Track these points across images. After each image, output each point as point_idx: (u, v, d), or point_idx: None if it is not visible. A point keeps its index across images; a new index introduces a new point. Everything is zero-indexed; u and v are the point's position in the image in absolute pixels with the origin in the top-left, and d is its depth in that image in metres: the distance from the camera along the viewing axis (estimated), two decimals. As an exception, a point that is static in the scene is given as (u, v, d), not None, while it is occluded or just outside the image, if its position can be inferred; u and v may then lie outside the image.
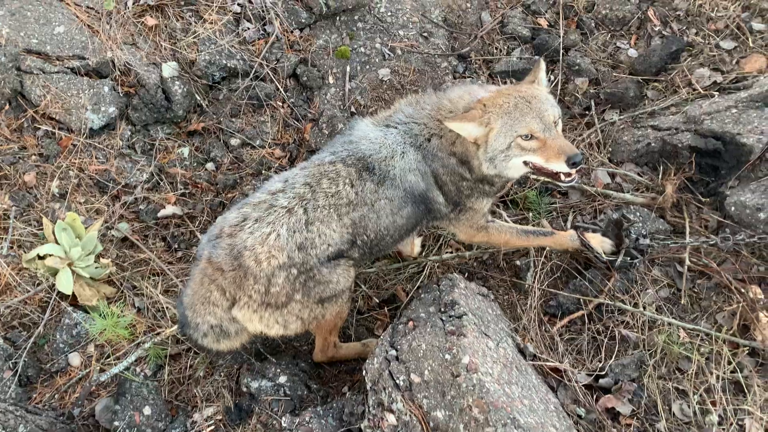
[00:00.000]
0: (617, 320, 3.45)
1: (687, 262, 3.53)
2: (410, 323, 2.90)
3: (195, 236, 3.99)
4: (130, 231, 3.85)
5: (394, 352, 2.76)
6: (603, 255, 3.54)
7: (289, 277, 2.83)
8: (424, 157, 3.05)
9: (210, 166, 4.27)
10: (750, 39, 4.58)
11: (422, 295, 3.17)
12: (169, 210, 3.97)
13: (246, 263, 2.78)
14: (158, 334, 3.45)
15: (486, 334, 2.85)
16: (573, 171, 2.91)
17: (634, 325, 3.40)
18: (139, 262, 3.74)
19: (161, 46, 4.22)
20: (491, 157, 2.97)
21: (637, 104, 4.57)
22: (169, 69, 4.19)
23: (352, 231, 2.97)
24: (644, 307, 3.42)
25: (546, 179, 3.22)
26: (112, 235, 3.82)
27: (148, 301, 3.57)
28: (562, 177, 2.98)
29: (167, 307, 3.54)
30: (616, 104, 4.59)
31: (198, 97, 4.32)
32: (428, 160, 3.06)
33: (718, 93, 4.28)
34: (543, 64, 3.17)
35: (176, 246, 3.92)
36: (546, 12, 5.12)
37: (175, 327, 3.32)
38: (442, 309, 2.91)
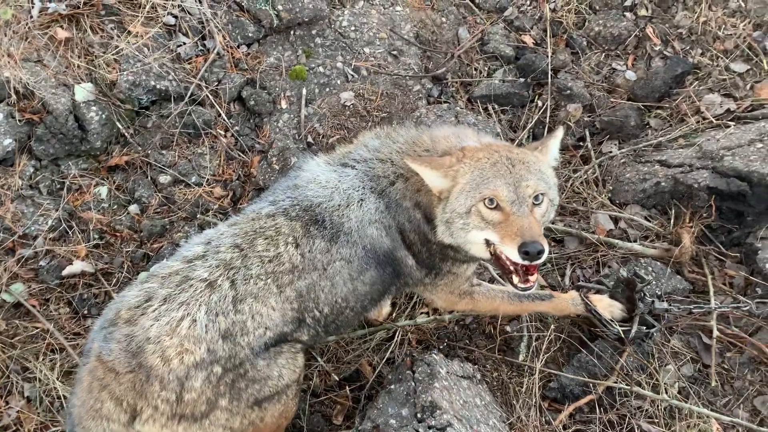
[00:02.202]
0: (633, 407, 2.78)
1: (715, 331, 2.88)
2: (376, 434, 2.19)
3: (110, 298, 3.21)
4: (25, 294, 3.06)
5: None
6: (614, 324, 2.88)
7: (210, 379, 2.10)
8: (387, 207, 2.41)
9: (133, 208, 3.50)
10: (764, 61, 4.01)
11: (392, 387, 2.46)
12: (77, 266, 3.19)
13: (149, 362, 2.06)
14: (53, 432, 2.67)
15: (476, 448, 2.14)
16: (530, 278, 2.32)
17: (654, 413, 2.74)
18: (33, 336, 2.96)
19: (74, 64, 3.46)
20: (448, 219, 2.34)
21: (638, 134, 3.97)
22: (83, 91, 3.43)
23: (299, 306, 2.29)
24: (666, 391, 2.76)
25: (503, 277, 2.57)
26: (2, 300, 3.03)
27: (42, 388, 2.79)
28: (514, 279, 2.34)
29: (65, 396, 2.76)
30: (614, 134, 3.97)
31: (120, 126, 3.56)
32: (392, 210, 2.42)
33: (734, 123, 3.69)
34: (560, 134, 2.54)
35: (86, 311, 3.15)
36: (531, 28, 4.50)
37: None
38: (419, 414, 2.21)
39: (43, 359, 2.87)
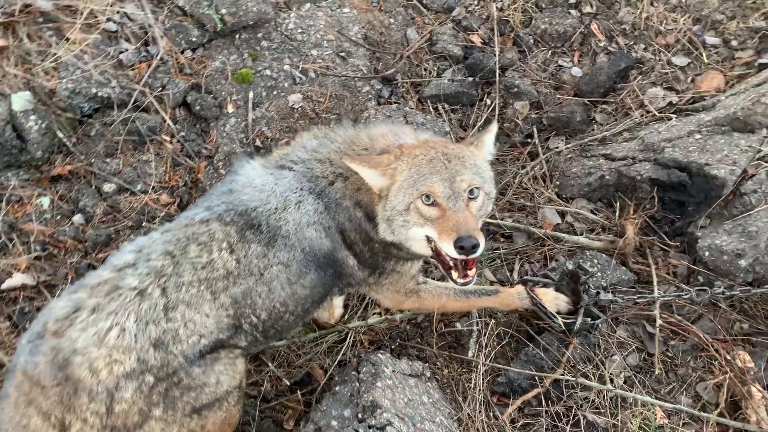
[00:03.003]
0: (580, 398, 2.80)
1: (659, 321, 2.93)
2: (317, 436, 2.17)
3: (54, 311, 3.14)
4: (-38, 309, 2.98)
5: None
6: (558, 318, 2.91)
7: (141, 388, 2.06)
8: (327, 207, 2.40)
9: (78, 218, 3.44)
10: (704, 54, 4.11)
11: (338, 388, 2.45)
12: (17, 279, 3.12)
13: (76, 374, 2.01)
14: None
15: (418, 446, 2.14)
16: (469, 272, 2.36)
17: (601, 403, 2.77)
18: (-29, 351, 2.88)
19: (10, 73, 3.39)
20: (389, 217, 2.36)
21: (584, 130, 4.02)
22: (20, 101, 3.36)
23: (235, 312, 2.26)
24: (611, 381, 2.80)
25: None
26: (-62, 317, 2.95)
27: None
28: (453, 274, 2.38)
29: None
30: (561, 130, 4.02)
31: (61, 135, 3.50)
32: (332, 210, 2.40)
33: (675, 116, 3.76)
34: (495, 128, 2.58)
35: (27, 325, 3.06)
36: (479, 28, 4.54)
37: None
38: (360, 414, 2.20)
39: (-19, 376, 2.79)
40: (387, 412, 2.17)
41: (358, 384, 2.40)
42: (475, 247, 2.17)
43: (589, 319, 2.91)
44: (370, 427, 2.12)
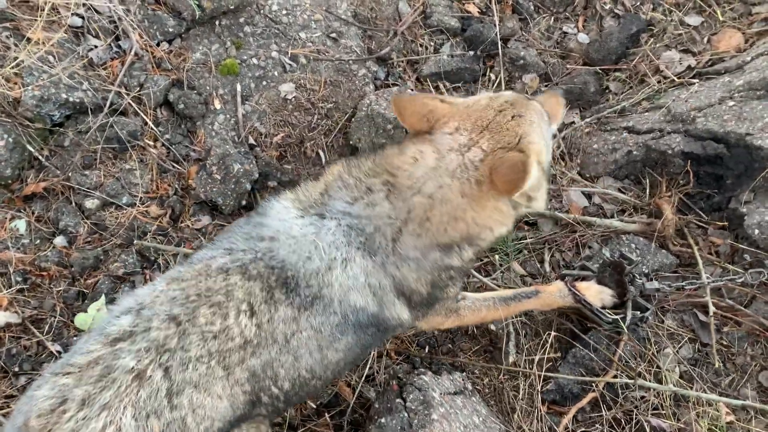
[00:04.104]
0: (637, 399, 2.59)
1: (712, 308, 2.72)
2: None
3: (44, 348, 2.81)
4: (-59, 359, 2.63)
5: None
6: (605, 313, 2.68)
7: None
8: (382, 264, 1.99)
9: (60, 241, 3.08)
10: (718, 11, 3.85)
11: (384, 420, 2.18)
12: (0, 319, 2.76)
13: None
14: None
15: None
16: None
17: (660, 403, 2.56)
18: (-45, 407, 2.54)
19: (-34, 82, 2.98)
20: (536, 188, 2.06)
21: (599, 100, 3.77)
22: (-19, 113, 2.96)
23: (252, 388, 1.90)
24: (668, 379, 2.59)
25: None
26: None
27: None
28: None
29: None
30: (574, 103, 3.76)
31: (31, 148, 3.11)
32: (389, 266, 2.01)
33: (697, 80, 3.52)
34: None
35: (17, 369, 2.74)
36: (475, -4, 4.21)
37: None
38: (421, 456, 1.94)
39: (-29, 434, 2.46)
40: (449, 448, 1.92)
41: (407, 414, 2.14)
42: None
43: (639, 312, 2.69)
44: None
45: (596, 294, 2.74)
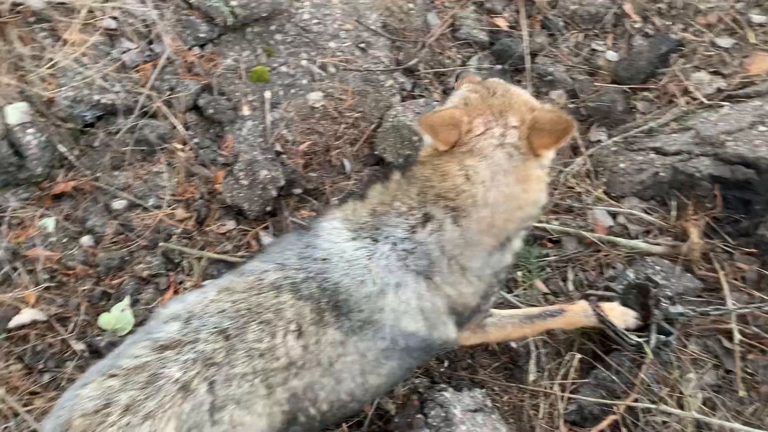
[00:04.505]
0: (658, 424, 2.57)
1: (737, 336, 2.69)
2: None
3: (68, 347, 2.84)
4: (-33, 353, 2.67)
5: None
6: (629, 335, 2.66)
7: None
8: (439, 286, 2.03)
9: (86, 240, 3.11)
10: (750, 34, 3.83)
11: (403, 435, 2.18)
12: (26, 315, 2.80)
13: None
14: None
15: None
16: None
17: (682, 430, 2.54)
18: (-20, 402, 2.57)
19: (2, 82, 3.02)
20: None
21: (626, 119, 3.74)
22: (16, 113, 3.01)
23: (291, 408, 1.90)
24: (690, 406, 2.57)
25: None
26: (-61, 363, 2.63)
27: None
28: None
29: (25, 474, 2.40)
30: (602, 121, 3.74)
31: (63, 148, 3.15)
32: (447, 286, 2.04)
33: (727, 103, 3.49)
34: None
35: (41, 366, 2.77)
36: (504, 10, 4.22)
37: None
38: (443, 475, 1.93)
39: (-5, 429, 2.50)
40: (474, 470, 1.92)
41: (428, 431, 2.13)
42: None
43: (664, 336, 2.67)
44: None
45: (620, 315, 2.72)
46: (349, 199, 2.21)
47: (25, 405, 2.61)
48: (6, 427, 2.52)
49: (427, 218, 2.04)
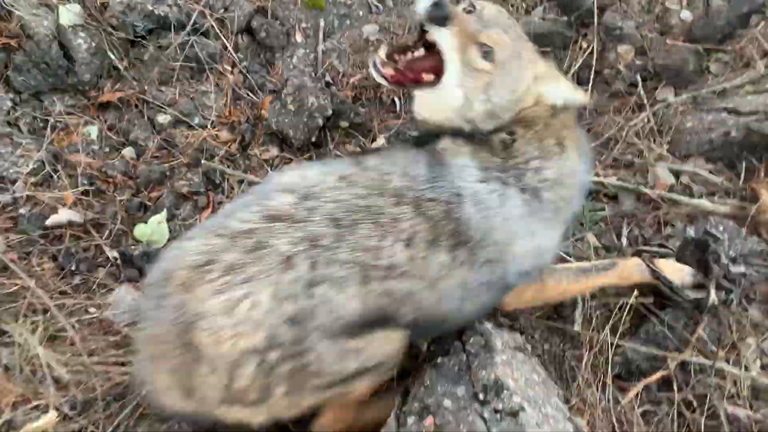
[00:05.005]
0: (711, 384, 2.39)
1: (804, 300, 2.49)
2: (429, 419, 1.79)
3: (101, 253, 2.79)
4: (3, 247, 2.63)
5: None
6: (685, 291, 2.48)
7: (263, 367, 1.71)
8: (556, 226, 2.15)
9: (128, 151, 3.06)
10: (841, -1, 3.55)
11: (440, 360, 2.06)
12: (63, 215, 2.76)
13: (198, 341, 1.69)
14: (37, 408, 2.26)
15: (550, 437, 1.75)
16: None
17: (737, 392, 2.36)
18: (12, 294, 2.53)
19: (58, -20, 2.98)
20: None
21: (696, 81, 3.52)
22: (68, 14, 2.96)
23: (385, 302, 1.84)
24: (747, 368, 2.38)
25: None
26: (-25, 253, 2.60)
27: (22, 354, 2.38)
28: None
29: (49, 365, 2.35)
30: (670, 80, 3.53)
31: (113, 56, 3.10)
32: (561, 225, 2.17)
33: (811, 67, 3.25)
34: None
35: (73, 268, 2.72)
36: (574, -38, 4.01)
37: (54, 415, 2.14)
38: (481, 395, 1.81)
39: (23, 321, 2.45)
40: (515, 394, 1.79)
41: (465, 357, 2.01)
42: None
43: (724, 293, 2.49)
44: (497, 411, 1.73)
45: (676, 271, 2.54)
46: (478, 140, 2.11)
47: (55, 302, 2.56)
48: (34, 321, 2.48)
49: (551, 152, 2.09)
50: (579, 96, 2.11)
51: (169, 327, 1.73)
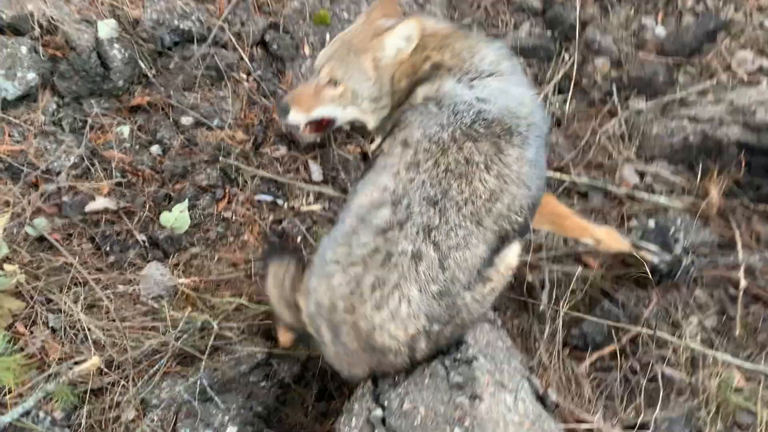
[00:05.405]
0: (655, 355, 2.77)
1: (742, 283, 2.86)
2: (402, 367, 2.18)
3: (132, 236, 3.21)
4: (48, 229, 3.06)
5: (379, 412, 2.05)
6: (659, 251, 2.87)
7: (431, 338, 2.14)
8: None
9: (155, 149, 3.48)
10: (800, 17, 3.91)
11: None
12: (100, 203, 3.18)
13: (379, 342, 2.12)
14: (77, 363, 2.68)
15: (502, 384, 2.14)
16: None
17: (676, 362, 2.73)
18: (57, 268, 2.95)
19: (98, 0, 3.41)
20: None
21: (666, 91, 3.89)
22: (106, 28, 3.39)
23: (501, 226, 2.15)
24: (686, 337, 2.75)
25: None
26: (26, 234, 3.02)
27: (66, 319, 2.80)
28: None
29: (89, 328, 2.77)
30: (642, 90, 3.90)
31: (143, 65, 3.52)
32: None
33: (767, 79, 3.61)
34: (406, 26, 2.42)
35: (107, 249, 3.14)
36: (560, -19, 4.39)
37: (97, 359, 2.56)
38: (444, 349, 2.20)
39: (66, 291, 2.88)
40: (471, 347, 2.17)
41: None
42: (283, 112, 2.55)
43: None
44: (455, 361, 2.12)
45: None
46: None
47: (92, 276, 2.98)
48: (75, 292, 2.90)
49: None
50: (400, 31, 2.40)
51: (352, 343, 2.13)
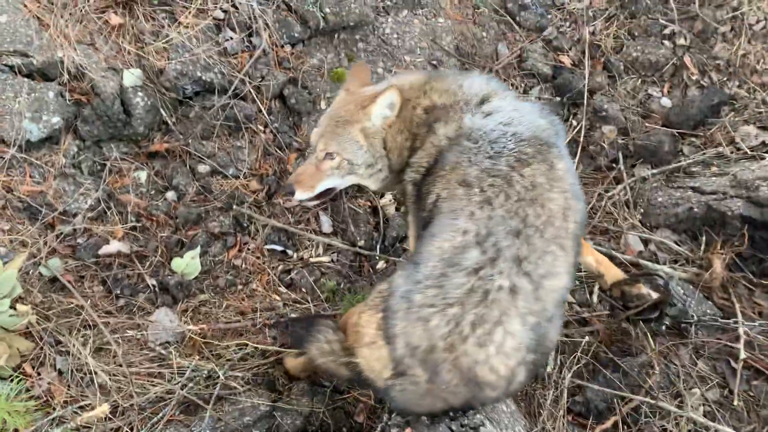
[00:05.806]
0: (657, 427, 2.78)
1: (742, 355, 2.89)
2: (408, 430, 2.20)
3: (143, 280, 3.25)
4: (62, 270, 3.11)
5: (386, 476, 2.06)
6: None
7: (528, 367, 2.16)
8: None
9: (171, 195, 3.56)
10: (801, 97, 4.04)
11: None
12: (113, 246, 3.24)
13: (480, 376, 2.09)
14: (83, 408, 2.69)
15: (508, 452, 2.16)
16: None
17: (679, 433, 2.74)
18: (68, 310, 2.99)
19: (124, 49, 3.53)
20: None
21: (671, 161, 3.99)
22: (131, 77, 3.50)
23: (576, 240, 2.25)
24: (688, 408, 2.76)
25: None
26: (39, 274, 3.07)
27: (74, 362, 2.82)
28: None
29: (96, 372, 2.79)
30: (648, 158, 4.00)
31: (164, 113, 3.63)
32: None
33: (769, 155, 3.71)
34: (388, 95, 2.56)
35: (118, 292, 3.19)
36: (570, 49, 4.56)
37: (106, 406, 2.57)
38: (451, 413, 2.22)
39: (76, 334, 2.90)
40: (479, 414, 2.19)
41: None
42: (290, 193, 2.68)
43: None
44: (463, 426, 2.14)
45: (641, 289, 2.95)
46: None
47: (102, 319, 3.01)
48: (84, 335, 2.93)
49: None
50: (382, 101, 2.55)
51: (453, 380, 2.08)
